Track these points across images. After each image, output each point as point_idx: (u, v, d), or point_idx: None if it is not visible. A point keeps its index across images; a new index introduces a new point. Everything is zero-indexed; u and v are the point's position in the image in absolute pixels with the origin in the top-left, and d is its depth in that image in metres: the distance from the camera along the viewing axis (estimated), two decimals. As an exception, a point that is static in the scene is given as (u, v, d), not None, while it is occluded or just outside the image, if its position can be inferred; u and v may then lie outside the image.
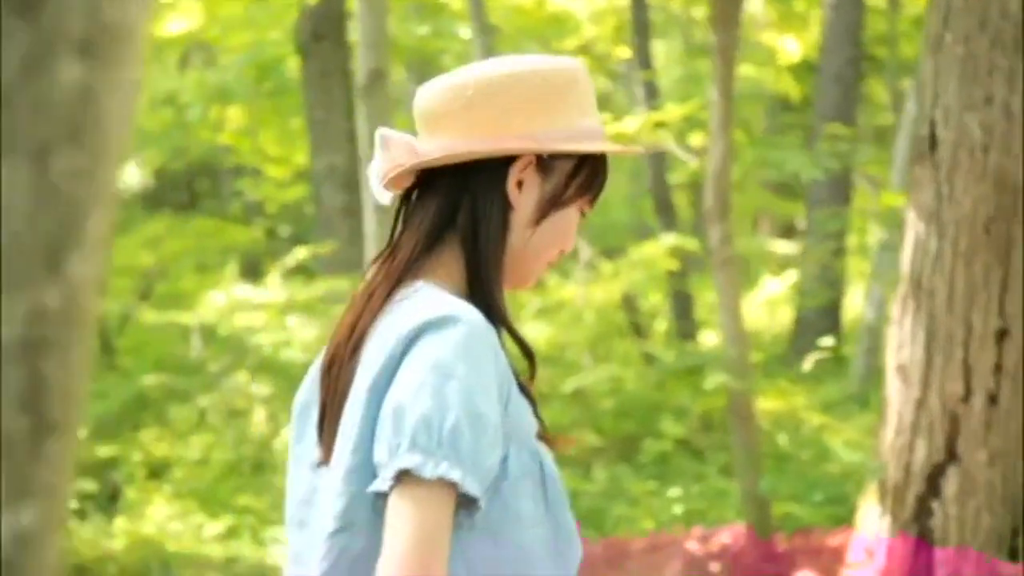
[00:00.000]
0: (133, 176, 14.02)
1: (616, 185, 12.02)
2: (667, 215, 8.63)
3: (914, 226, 4.38)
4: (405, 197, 1.61)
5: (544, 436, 1.54)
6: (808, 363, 7.48)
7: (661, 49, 14.19)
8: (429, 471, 1.35)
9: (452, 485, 1.37)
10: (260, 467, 7.23)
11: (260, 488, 6.80)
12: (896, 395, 4.42)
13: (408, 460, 1.36)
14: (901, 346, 4.41)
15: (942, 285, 4.28)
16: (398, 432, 1.38)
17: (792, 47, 12.11)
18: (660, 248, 7.49)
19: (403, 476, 1.37)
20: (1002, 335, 4.25)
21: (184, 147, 11.61)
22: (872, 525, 4.46)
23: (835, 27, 9.20)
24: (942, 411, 4.30)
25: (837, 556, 4.74)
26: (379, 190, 1.60)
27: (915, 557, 4.31)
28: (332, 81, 8.83)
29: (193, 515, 6.32)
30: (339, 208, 8.86)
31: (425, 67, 12.02)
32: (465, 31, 9.70)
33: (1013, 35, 4.14)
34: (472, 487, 1.38)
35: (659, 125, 5.62)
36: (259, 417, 7.79)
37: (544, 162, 1.56)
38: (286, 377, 8.28)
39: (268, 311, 7.80)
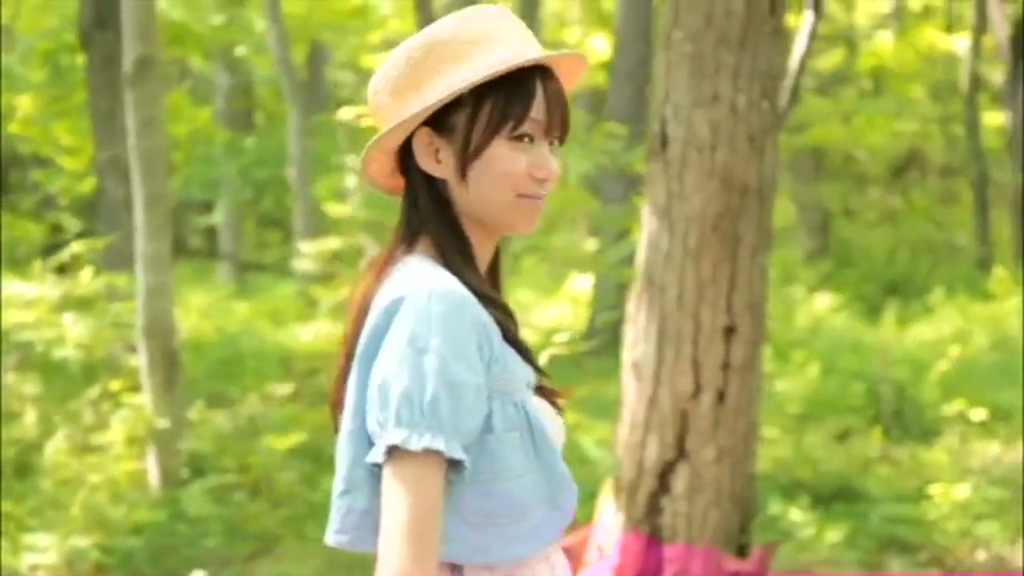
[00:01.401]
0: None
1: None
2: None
3: (648, 223, 4.38)
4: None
5: (543, 388, 1.62)
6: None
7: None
8: (415, 443, 1.47)
9: (438, 452, 1.48)
10: (25, 470, 6.93)
11: (24, 493, 6.50)
12: (630, 392, 4.41)
13: (395, 436, 1.48)
14: (635, 343, 4.40)
15: (673, 282, 4.29)
16: (384, 407, 1.50)
17: (600, 45, 12.21)
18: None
19: (393, 450, 1.49)
20: (729, 332, 4.27)
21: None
22: (608, 522, 4.45)
23: (627, 26, 9.26)
24: (672, 408, 4.31)
25: (578, 554, 4.72)
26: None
27: (646, 554, 4.32)
28: (116, 70, 8.54)
29: (-57, 522, 6.00)
30: (123, 200, 8.62)
31: (228, 56, 11.78)
32: (260, 21, 9.53)
33: (738, 33, 4.16)
34: (456, 451, 1.49)
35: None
36: (30, 419, 7.47)
37: (438, 125, 1.62)
38: (60, 375, 7.97)
39: (39, 307, 7.47)
